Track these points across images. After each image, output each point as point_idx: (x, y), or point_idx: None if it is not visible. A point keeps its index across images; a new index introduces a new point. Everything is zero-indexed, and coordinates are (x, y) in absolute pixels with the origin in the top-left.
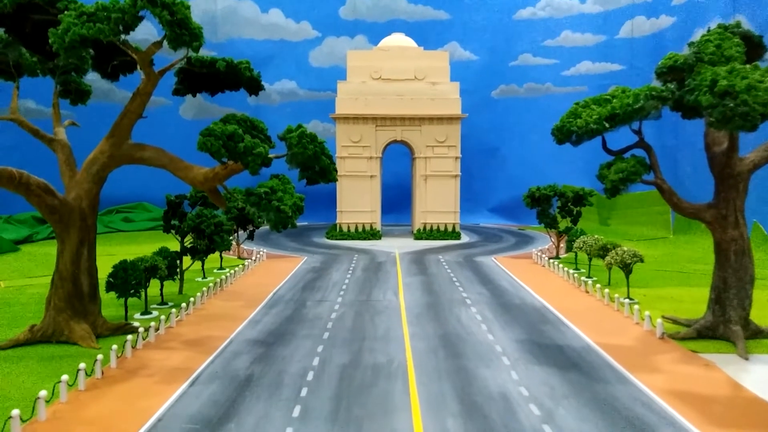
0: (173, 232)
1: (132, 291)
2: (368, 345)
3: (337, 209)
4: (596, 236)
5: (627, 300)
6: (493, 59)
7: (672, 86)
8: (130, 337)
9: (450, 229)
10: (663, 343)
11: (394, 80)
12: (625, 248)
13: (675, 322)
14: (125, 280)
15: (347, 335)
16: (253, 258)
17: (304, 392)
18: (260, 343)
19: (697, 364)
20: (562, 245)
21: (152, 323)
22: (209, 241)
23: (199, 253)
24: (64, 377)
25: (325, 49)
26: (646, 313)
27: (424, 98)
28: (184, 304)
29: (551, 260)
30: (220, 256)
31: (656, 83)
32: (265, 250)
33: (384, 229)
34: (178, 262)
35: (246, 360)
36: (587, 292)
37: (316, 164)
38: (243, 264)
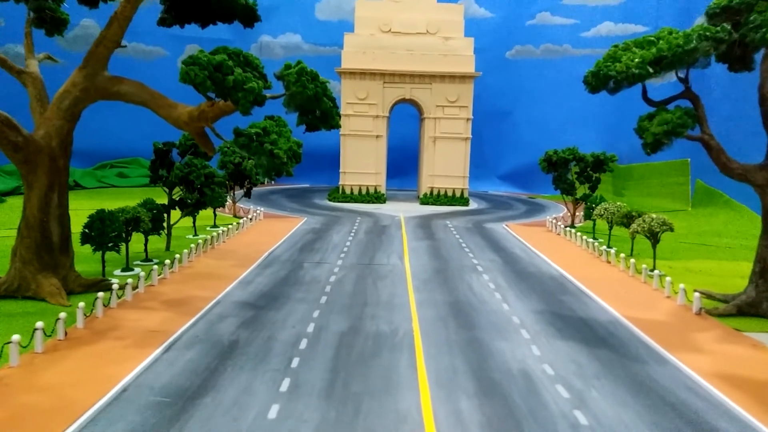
0: (161, 183)
1: (111, 244)
2: (370, 311)
3: (341, 170)
4: (618, 203)
5: (657, 272)
6: (509, 17)
7: (728, 27)
8: (101, 294)
9: (458, 194)
10: (701, 320)
11: (404, 34)
12: (653, 215)
13: (709, 296)
14: (102, 231)
15: (347, 300)
16: (249, 217)
17: (295, 363)
18: (250, 305)
19: (743, 344)
20: (578, 213)
21: (129, 280)
22: (199, 194)
23: (187, 207)
24: (15, 337)
25: (333, 1)
26: (681, 285)
27: (436, 54)
28: (168, 261)
29: (567, 228)
30: (214, 213)
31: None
32: (262, 209)
33: (388, 194)
34: (165, 215)
35: (232, 324)
36: (609, 262)
37: (317, 107)
38: (238, 222)
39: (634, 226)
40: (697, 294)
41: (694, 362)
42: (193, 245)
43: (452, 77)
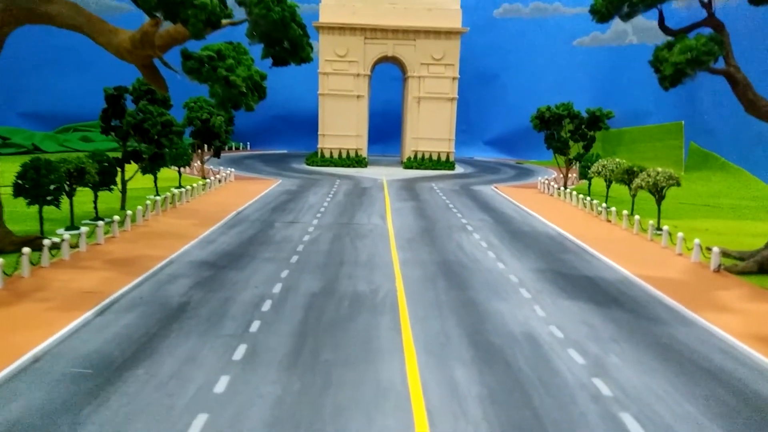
0: (113, 134)
1: (49, 198)
2: (347, 271)
3: (319, 132)
4: (617, 159)
5: (666, 228)
6: None
7: None
8: (26, 250)
9: (443, 158)
10: (721, 278)
11: None
12: (659, 169)
13: (725, 254)
14: (37, 182)
15: (321, 259)
16: (218, 178)
17: (255, 327)
18: (208, 265)
19: None
20: (573, 175)
21: (67, 235)
22: (156, 146)
23: (142, 160)
24: None
25: None
26: (696, 241)
27: (421, 8)
28: (117, 217)
29: (561, 189)
30: (179, 173)
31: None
32: (233, 170)
33: (370, 160)
34: (118, 170)
35: (185, 284)
36: (609, 221)
37: (284, 35)
38: (204, 183)
39: (637, 181)
40: (716, 249)
41: (724, 322)
42: (149, 202)
43: (437, 33)
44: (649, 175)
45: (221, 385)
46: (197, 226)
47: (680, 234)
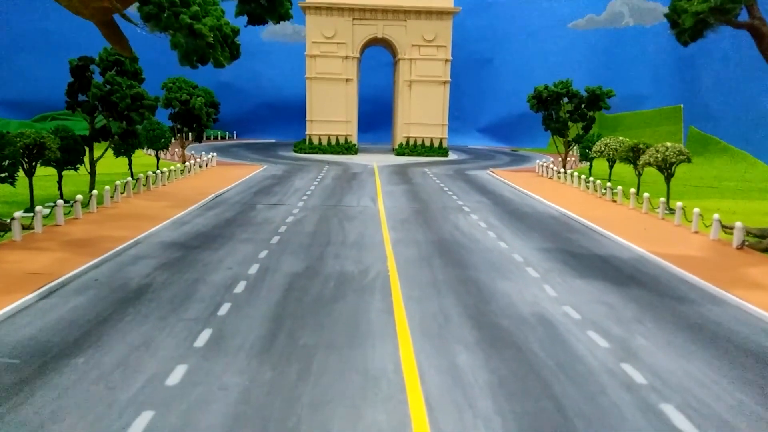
0: (79, 110)
1: (3, 176)
2: (333, 251)
3: (307, 118)
4: (620, 137)
5: (679, 204)
6: None
7: None
8: None
9: (436, 144)
10: (745, 254)
11: None
12: (668, 144)
13: (746, 231)
14: None
15: (305, 240)
16: (198, 163)
17: (224, 309)
18: (178, 246)
19: None
20: (571, 159)
21: (17, 214)
22: (127, 121)
23: (111, 136)
24: None
25: None
26: (715, 216)
27: None
28: (80, 196)
29: (561, 172)
30: (157, 157)
31: None
32: (215, 154)
33: (360, 148)
34: (86, 149)
35: (148, 266)
36: (614, 201)
37: None
38: (183, 166)
39: (645, 157)
40: (739, 225)
41: (759, 300)
42: (119, 182)
43: (429, 13)
44: (657, 151)
45: (176, 377)
46: (171, 207)
47: (696, 210)
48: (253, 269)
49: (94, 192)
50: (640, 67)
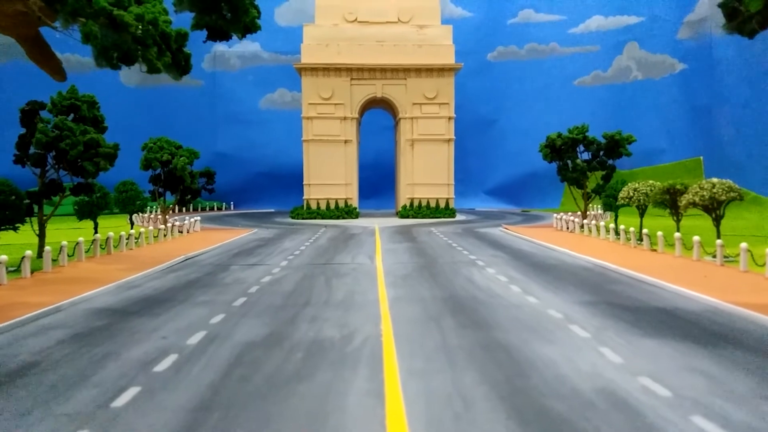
0: (29, 163)
1: None
2: (310, 313)
3: (304, 182)
4: (650, 181)
5: (743, 245)
6: (489, 16)
7: None
8: None
9: (442, 205)
10: None
11: (373, 23)
12: (714, 180)
13: None
14: None
15: (278, 301)
16: (178, 226)
17: (126, 397)
18: (110, 312)
19: None
20: (592, 213)
21: None
22: (78, 172)
23: (60, 191)
24: None
25: (294, 5)
26: None
27: (410, 45)
28: (4, 257)
29: (584, 224)
30: (130, 221)
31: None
32: (198, 218)
33: (362, 213)
34: (35, 206)
35: (53, 338)
36: (654, 250)
37: None
38: (157, 231)
39: (688, 196)
40: None
41: None
42: (65, 242)
43: (429, 70)
44: (702, 188)
45: None
46: (125, 270)
47: None
48: (195, 338)
49: (28, 253)
50: (654, 120)
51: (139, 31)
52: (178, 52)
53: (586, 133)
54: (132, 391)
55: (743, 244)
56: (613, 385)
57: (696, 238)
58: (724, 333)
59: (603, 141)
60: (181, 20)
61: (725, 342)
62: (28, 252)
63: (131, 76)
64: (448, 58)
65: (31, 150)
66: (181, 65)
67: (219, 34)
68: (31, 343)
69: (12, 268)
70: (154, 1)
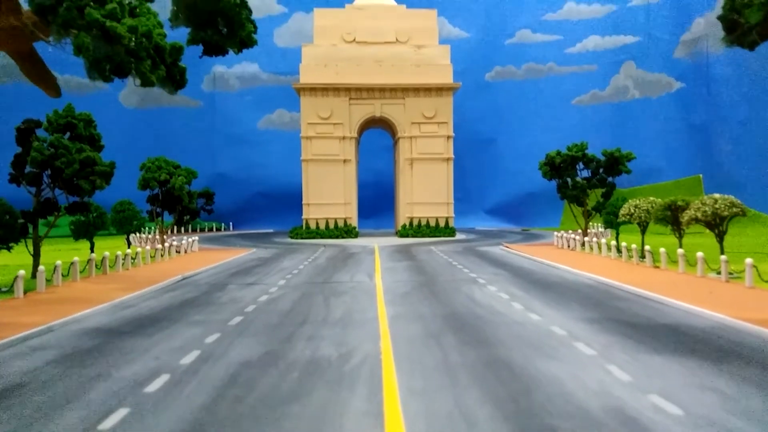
0: (24, 182)
1: None
2: (308, 331)
3: (303, 202)
4: (651, 197)
5: (749, 260)
6: (486, 37)
7: None
8: None
9: (442, 224)
10: None
11: (371, 43)
12: (716, 196)
13: None
14: None
15: (274, 320)
16: (176, 246)
17: (112, 421)
18: (103, 332)
19: None
20: (591, 230)
21: None
22: (73, 190)
23: (55, 210)
24: None
25: (292, 27)
26: None
27: (408, 65)
28: None
29: (585, 241)
30: (127, 240)
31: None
32: (196, 238)
33: (362, 233)
34: (29, 226)
35: (42, 358)
36: (657, 266)
37: (215, 6)
38: (154, 250)
39: (690, 212)
40: None
41: None
42: (59, 262)
43: (428, 90)
44: (704, 204)
45: None
46: (120, 290)
47: None
48: (189, 358)
49: (21, 273)
50: (652, 139)
51: (133, 44)
52: (173, 66)
53: (586, 151)
54: (121, 413)
55: (749, 260)
56: (622, 404)
57: (700, 254)
58: (733, 349)
59: (602, 158)
60: (177, 35)
61: (735, 358)
62: (21, 272)
63: (130, 97)
64: (446, 78)
65: (27, 169)
66: (176, 79)
67: (215, 49)
68: (17, 364)
69: (5, 289)
70: (149, 15)
